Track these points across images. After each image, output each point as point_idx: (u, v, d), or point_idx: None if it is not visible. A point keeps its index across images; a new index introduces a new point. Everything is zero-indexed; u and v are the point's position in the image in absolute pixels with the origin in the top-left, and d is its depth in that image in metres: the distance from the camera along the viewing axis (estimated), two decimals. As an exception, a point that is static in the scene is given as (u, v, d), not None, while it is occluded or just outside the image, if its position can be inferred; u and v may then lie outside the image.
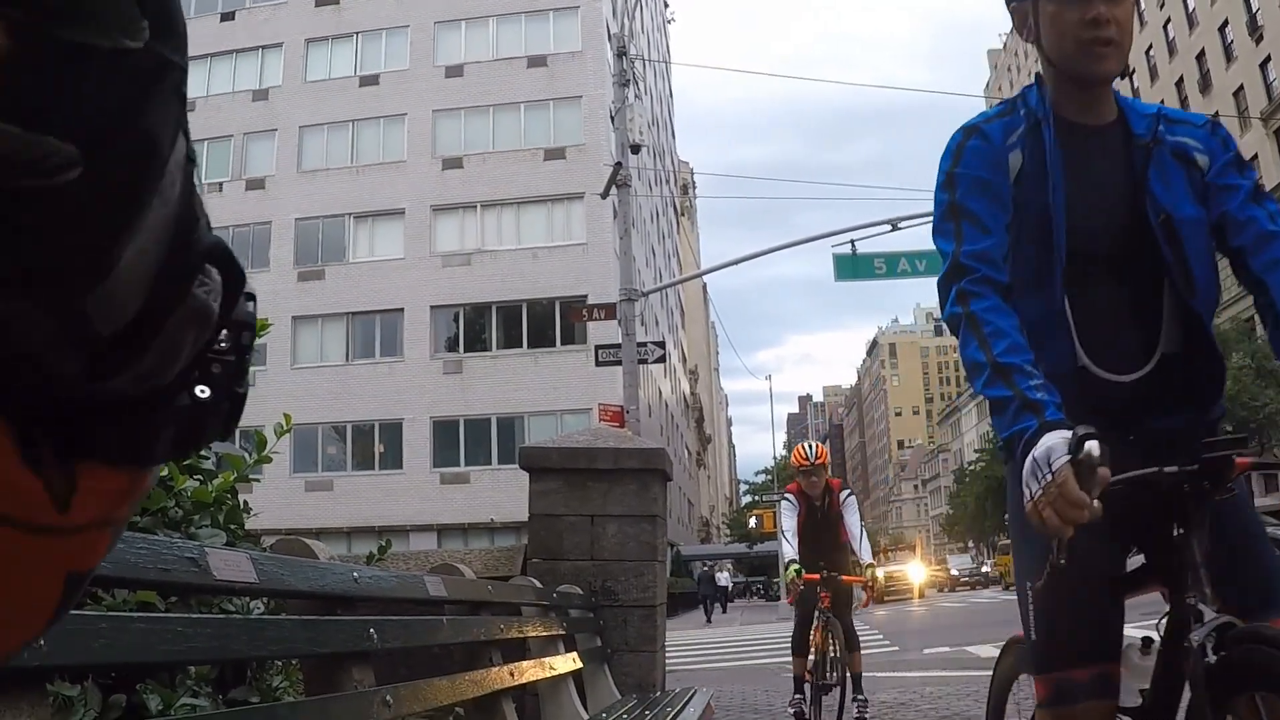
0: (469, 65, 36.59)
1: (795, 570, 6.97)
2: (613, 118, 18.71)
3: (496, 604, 3.94)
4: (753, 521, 52.54)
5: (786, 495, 7.68)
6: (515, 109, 36.03)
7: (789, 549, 7.21)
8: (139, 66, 0.33)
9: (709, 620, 37.81)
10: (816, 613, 7.06)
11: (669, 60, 60.86)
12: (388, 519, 31.56)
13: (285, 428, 3.29)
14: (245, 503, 3.16)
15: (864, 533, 7.43)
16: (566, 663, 4.68)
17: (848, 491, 7.56)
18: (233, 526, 3.03)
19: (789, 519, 7.40)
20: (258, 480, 3.18)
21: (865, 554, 7.28)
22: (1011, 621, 2.27)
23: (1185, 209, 2.11)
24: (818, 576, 6.92)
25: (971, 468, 63.36)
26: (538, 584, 5.04)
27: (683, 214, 71.30)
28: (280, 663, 3.00)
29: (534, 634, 4.32)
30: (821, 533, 7.30)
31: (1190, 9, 51.32)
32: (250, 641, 1.95)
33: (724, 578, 47.49)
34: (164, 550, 1.68)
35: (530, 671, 4.05)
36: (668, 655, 7.16)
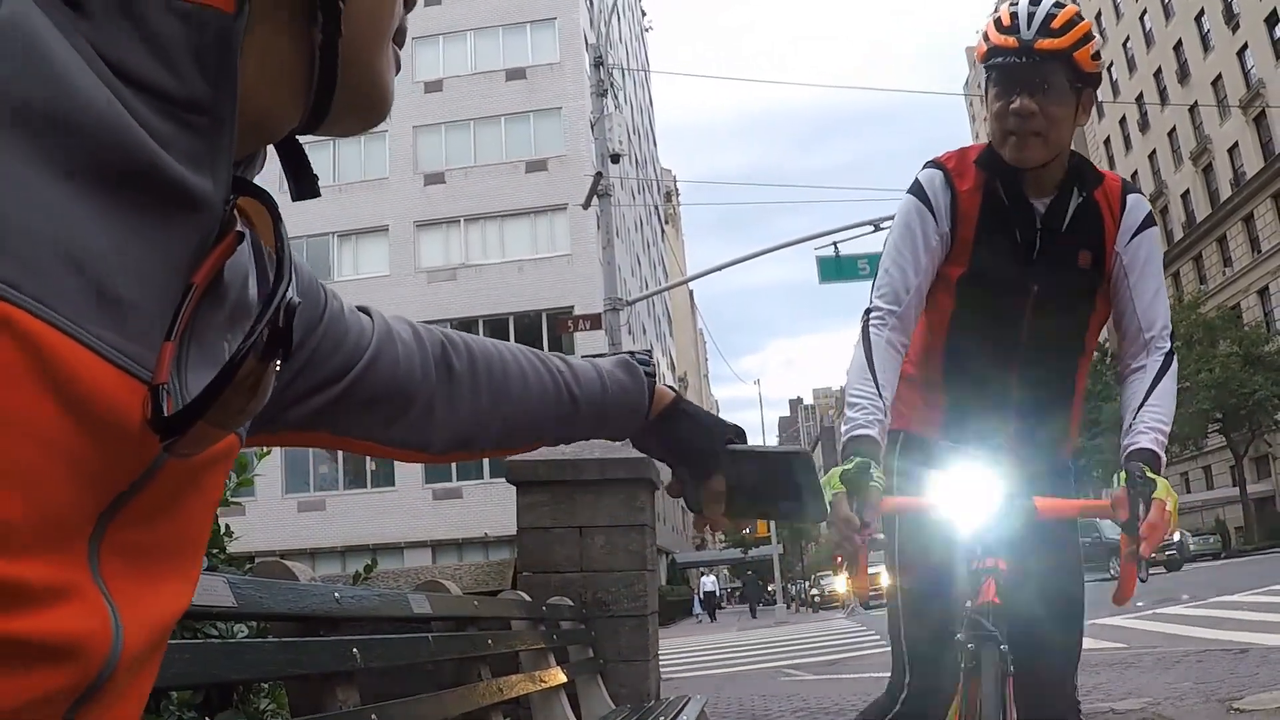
0: (448, 80, 36.61)
1: (847, 475, 1.95)
2: (593, 128, 18.75)
3: (484, 619, 3.94)
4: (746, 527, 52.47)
5: (921, 179, 2.27)
6: (496, 122, 36.05)
7: (862, 391, 2.10)
8: None
9: (754, 615, 39.92)
10: (961, 631, 1.99)
11: (648, 69, 60.98)
12: (382, 536, 31.48)
13: (264, 450, 3.29)
14: (227, 526, 3.16)
15: (1173, 349, 2.24)
16: (558, 675, 4.68)
17: (1143, 208, 2.27)
18: (214, 551, 3.03)
19: (897, 268, 2.23)
20: (239, 504, 3.18)
21: (1158, 408, 2.13)
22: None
23: None
24: (971, 501, 2.04)
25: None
26: (526, 597, 5.04)
27: (667, 221, 71.35)
28: (267, 685, 2.99)
29: (524, 648, 4.32)
30: (1023, 330, 2.23)
31: None
32: (229, 664, 1.94)
33: (709, 582, 46.66)
34: (136, 577, 1.68)
35: (520, 685, 4.04)
36: (665, 663, 7.13)
